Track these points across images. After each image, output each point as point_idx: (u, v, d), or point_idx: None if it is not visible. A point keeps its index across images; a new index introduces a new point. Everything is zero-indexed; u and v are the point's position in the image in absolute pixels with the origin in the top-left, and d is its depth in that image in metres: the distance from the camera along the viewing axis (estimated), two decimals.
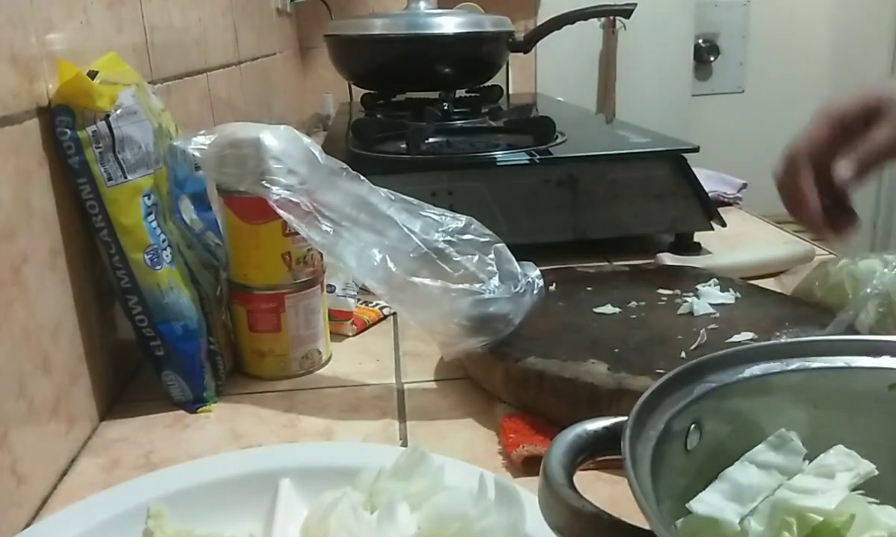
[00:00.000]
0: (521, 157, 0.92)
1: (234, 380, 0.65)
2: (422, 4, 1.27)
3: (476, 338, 0.57)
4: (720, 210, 0.94)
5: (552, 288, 0.70)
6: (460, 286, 0.56)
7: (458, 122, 1.14)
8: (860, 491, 0.35)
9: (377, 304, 0.76)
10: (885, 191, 2.77)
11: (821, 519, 0.33)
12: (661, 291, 0.69)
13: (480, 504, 0.39)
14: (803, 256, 0.85)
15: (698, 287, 0.69)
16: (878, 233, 2.72)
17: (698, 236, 0.92)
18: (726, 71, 2.62)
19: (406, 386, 0.63)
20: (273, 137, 0.58)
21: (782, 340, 0.38)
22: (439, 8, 1.34)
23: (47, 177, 0.52)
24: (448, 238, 0.58)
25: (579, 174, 0.89)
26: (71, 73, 0.53)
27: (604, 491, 0.46)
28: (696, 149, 0.91)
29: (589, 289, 0.71)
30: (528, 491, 0.39)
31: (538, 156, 0.92)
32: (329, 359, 0.68)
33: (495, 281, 0.57)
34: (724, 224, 0.92)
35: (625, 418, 0.32)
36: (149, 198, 0.57)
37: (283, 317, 0.63)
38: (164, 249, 0.58)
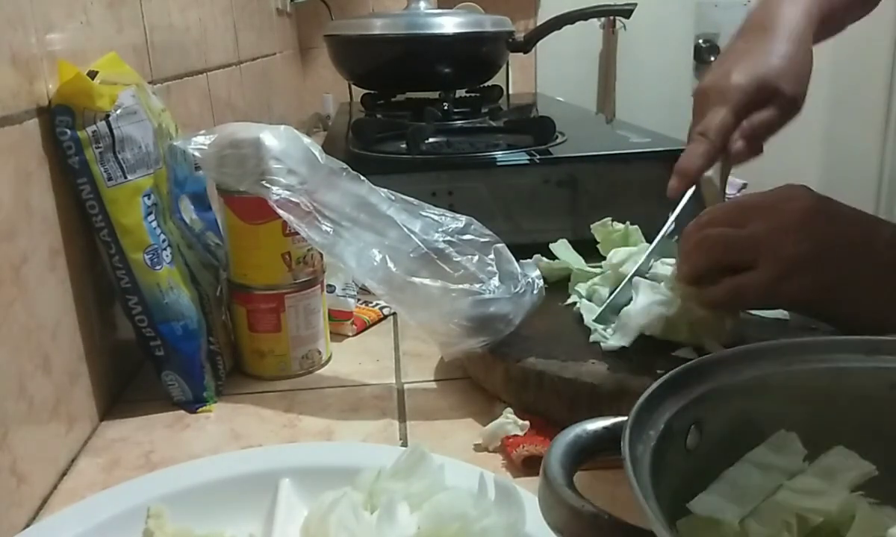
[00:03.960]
0: (521, 157, 0.92)
1: (234, 380, 0.64)
2: (422, 4, 1.27)
3: (476, 338, 0.57)
4: None
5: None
6: (460, 286, 0.56)
7: (458, 122, 1.14)
8: (860, 492, 0.35)
9: (377, 304, 0.76)
10: (884, 186, 2.77)
11: (821, 519, 0.33)
12: None
13: (480, 504, 0.39)
14: None
15: None
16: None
17: None
18: None
19: (406, 386, 0.63)
20: (273, 137, 0.58)
21: (782, 340, 0.38)
22: (439, 8, 1.34)
23: (47, 177, 0.52)
24: (448, 238, 0.58)
25: (579, 174, 0.89)
26: (71, 73, 0.53)
27: (604, 491, 0.46)
28: None
29: None
30: (528, 491, 0.39)
31: (538, 156, 0.92)
32: (329, 359, 0.68)
33: (495, 281, 0.57)
34: None
35: (625, 418, 0.32)
36: (149, 198, 0.57)
37: (283, 317, 0.63)
38: (164, 249, 0.58)
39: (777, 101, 0.62)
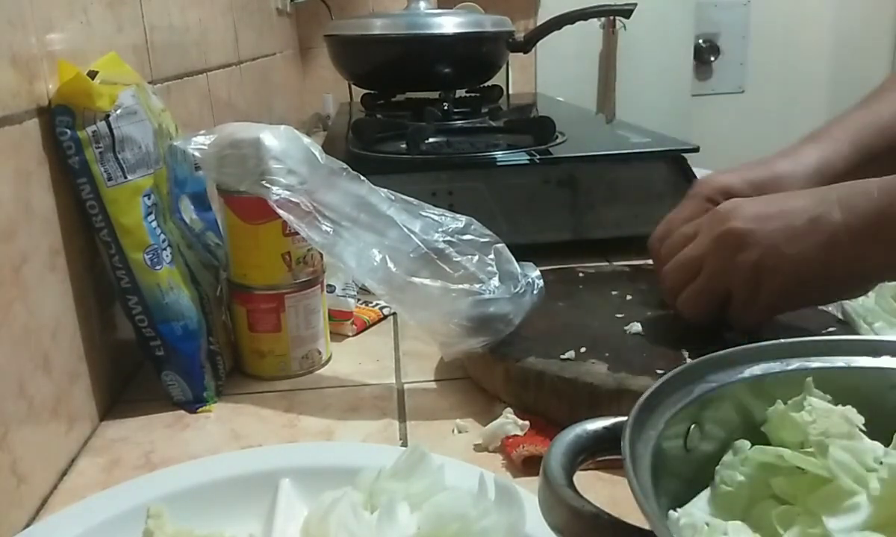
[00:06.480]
0: (521, 157, 0.92)
1: (234, 380, 0.64)
2: (422, 4, 1.27)
3: (476, 338, 0.57)
4: None
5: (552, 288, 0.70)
6: (460, 286, 0.56)
7: (458, 122, 1.14)
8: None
9: (377, 304, 0.76)
10: None
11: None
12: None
13: (480, 504, 0.39)
14: None
15: None
16: None
17: None
18: (726, 71, 2.62)
19: (406, 386, 0.63)
20: (273, 137, 0.58)
21: (782, 340, 0.38)
22: (439, 8, 1.34)
23: (47, 177, 0.52)
24: (448, 238, 0.58)
25: (579, 174, 0.89)
26: (71, 73, 0.53)
27: (604, 491, 0.46)
28: (696, 149, 0.91)
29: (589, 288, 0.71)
30: (528, 491, 0.39)
31: (538, 156, 0.92)
32: (329, 359, 0.68)
33: (495, 281, 0.57)
34: None
35: (625, 418, 0.32)
36: (149, 198, 0.57)
37: (283, 317, 0.63)
38: (164, 249, 0.58)
39: None
